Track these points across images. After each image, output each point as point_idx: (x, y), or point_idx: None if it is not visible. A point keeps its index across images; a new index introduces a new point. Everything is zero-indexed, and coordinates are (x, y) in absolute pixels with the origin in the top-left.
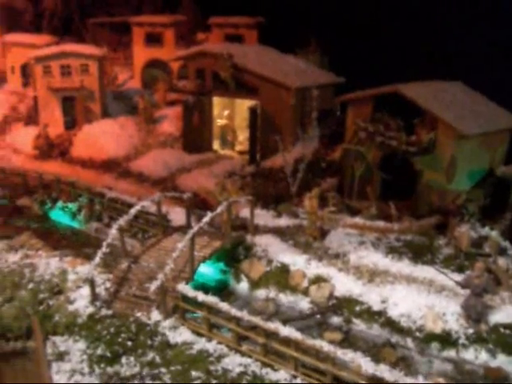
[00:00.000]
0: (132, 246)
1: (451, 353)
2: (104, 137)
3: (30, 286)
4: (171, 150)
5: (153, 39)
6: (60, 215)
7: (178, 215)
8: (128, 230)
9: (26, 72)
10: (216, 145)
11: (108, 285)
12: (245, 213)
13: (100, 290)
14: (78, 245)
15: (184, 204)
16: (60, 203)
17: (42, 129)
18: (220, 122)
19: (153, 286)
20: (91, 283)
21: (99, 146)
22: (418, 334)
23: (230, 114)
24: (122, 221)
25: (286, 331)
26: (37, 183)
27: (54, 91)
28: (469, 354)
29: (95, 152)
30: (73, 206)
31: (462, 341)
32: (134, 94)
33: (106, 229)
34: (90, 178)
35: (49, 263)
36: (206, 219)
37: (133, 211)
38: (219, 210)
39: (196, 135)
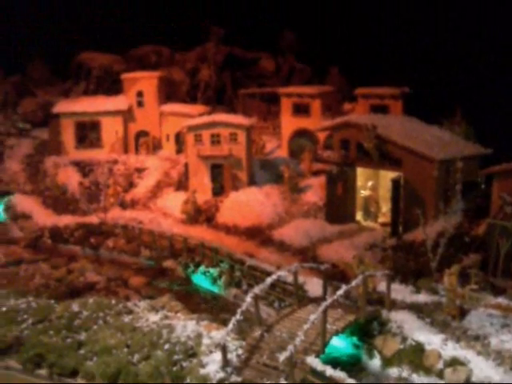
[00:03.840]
0: (267, 315)
1: None
2: (249, 204)
3: (167, 346)
4: (314, 219)
5: (300, 109)
6: (201, 279)
7: (315, 286)
8: (265, 298)
9: (179, 140)
10: (359, 216)
11: (240, 351)
12: (382, 287)
13: (232, 356)
14: (216, 310)
15: (321, 275)
16: (202, 267)
17: (191, 194)
18: (363, 192)
19: (282, 356)
20: (223, 349)
21: (244, 213)
22: None
23: (374, 185)
24: (258, 289)
25: None
26: (182, 247)
27: (204, 158)
28: None
29: (240, 219)
30: (214, 270)
31: None
32: (281, 162)
33: (244, 296)
34: (232, 245)
35: (186, 326)
36: (339, 292)
37: (269, 280)
38: (354, 283)
39: (339, 205)
